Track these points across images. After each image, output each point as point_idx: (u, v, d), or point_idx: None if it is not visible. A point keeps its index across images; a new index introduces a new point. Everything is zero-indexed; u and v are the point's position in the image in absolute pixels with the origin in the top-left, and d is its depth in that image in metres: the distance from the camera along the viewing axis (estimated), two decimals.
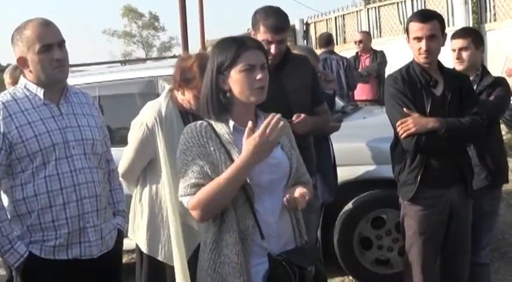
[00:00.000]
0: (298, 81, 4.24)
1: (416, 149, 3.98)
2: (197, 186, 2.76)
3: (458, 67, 4.49)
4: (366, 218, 5.52)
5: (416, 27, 3.98)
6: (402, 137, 3.97)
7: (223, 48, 2.87)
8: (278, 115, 2.73)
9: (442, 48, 4.06)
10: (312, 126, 4.13)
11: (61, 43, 3.17)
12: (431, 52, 3.98)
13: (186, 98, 3.93)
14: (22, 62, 3.16)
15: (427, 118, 3.94)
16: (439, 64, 4.11)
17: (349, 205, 5.50)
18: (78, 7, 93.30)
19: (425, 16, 4.03)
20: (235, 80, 2.82)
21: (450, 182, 4.04)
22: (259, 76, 2.81)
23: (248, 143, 2.70)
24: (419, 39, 3.97)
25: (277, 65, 4.17)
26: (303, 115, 4.02)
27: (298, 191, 2.81)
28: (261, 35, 4.12)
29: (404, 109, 3.98)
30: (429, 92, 4.01)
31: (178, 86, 3.94)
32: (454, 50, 4.54)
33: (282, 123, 2.73)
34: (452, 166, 4.03)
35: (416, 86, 4.02)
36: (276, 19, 4.14)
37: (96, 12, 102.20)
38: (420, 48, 3.98)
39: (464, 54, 4.51)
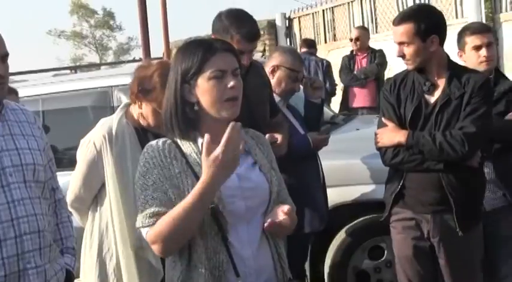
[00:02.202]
0: (260, 93, 4.33)
1: (384, 164, 4.24)
2: (157, 215, 2.76)
3: (486, 67, 4.57)
4: (361, 248, 5.56)
5: (392, 31, 4.22)
6: (376, 149, 4.23)
7: (187, 53, 2.87)
8: (238, 124, 2.70)
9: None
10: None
11: (4, 57, 3.15)
12: (408, 58, 4.15)
13: (143, 112, 3.96)
14: None
15: (398, 130, 4.13)
16: (450, 64, 4.20)
17: (342, 233, 5.54)
18: (14, 1, 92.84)
19: (398, 18, 4.20)
20: (204, 90, 2.82)
21: (431, 206, 4.15)
22: (231, 83, 2.81)
23: (209, 161, 2.66)
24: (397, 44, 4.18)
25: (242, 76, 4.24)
26: (279, 136, 4.14)
27: (281, 211, 2.80)
28: (234, 45, 4.17)
29: (383, 118, 4.20)
30: (417, 99, 4.14)
31: (136, 98, 3.97)
32: (477, 48, 4.62)
33: (241, 131, 2.73)
34: (434, 187, 4.11)
35: (406, 92, 4.18)
36: (250, 25, 4.21)
37: (38, 9, 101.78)
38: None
39: (491, 51, 4.61)
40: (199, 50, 2.85)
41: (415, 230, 4.21)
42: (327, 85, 10.42)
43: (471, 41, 4.60)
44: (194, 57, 2.83)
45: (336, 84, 11.04)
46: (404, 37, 4.09)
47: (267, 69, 5.10)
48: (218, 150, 2.66)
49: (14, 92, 5.73)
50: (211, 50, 2.84)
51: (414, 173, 4.14)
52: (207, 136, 2.68)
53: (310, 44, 11.18)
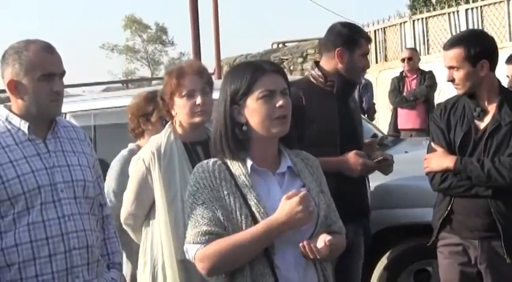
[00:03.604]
0: (356, 109, 4.51)
1: (433, 189, 4.24)
2: (209, 234, 2.80)
3: None
4: (407, 271, 5.52)
5: (443, 55, 4.22)
6: (425, 174, 4.23)
7: (236, 75, 2.92)
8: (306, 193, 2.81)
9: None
10: None
11: (62, 74, 3.25)
12: (458, 83, 4.14)
13: (178, 122, 4.07)
14: (13, 86, 3.19)
15: (447, 156, 4.13)
16: (501, 89, 4.20)
17: (387, 256, 5.51)
18: (70, 14, 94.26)
19: (449, 43, 4.20)
20: (253, 110, 2.86)
21: (479, 232, 4.12)
22: (280, 103, 2.84)
23: (290, 205, 2.75)
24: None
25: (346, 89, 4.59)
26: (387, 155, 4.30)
27: (322, 240, 2.81)
28: (363, 49, 4.56)
29: (432, 143, 4.21)
30: (467, 125, 4.13)
31: (167, 114, 4.13)
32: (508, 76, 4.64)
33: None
34: (482, 213, 4.09)
35: (456, 117, 4.17)
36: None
37: (92, 23, 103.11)
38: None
39: None
40: (248, 71, 2.89)
41: (462, 256, 4.19)
42: (364, 104, 10.53)
43: None
44: (243, 78, 2.87)
45: (374, 103, 11.11)
46: (454, 61, 4.08)
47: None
48: (299, 200, 2.75)
49: None
50: (260, 70, 2.88)
51: (462, 199, 4.13)
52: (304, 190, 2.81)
53: None
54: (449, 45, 4.15)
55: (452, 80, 4.13)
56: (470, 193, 4.08)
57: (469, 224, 4.13)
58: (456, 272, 4.21)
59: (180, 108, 4.01)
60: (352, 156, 4.48)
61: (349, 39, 4.57)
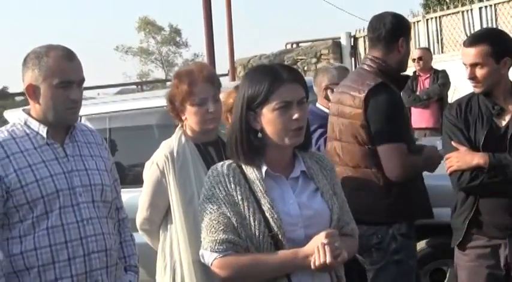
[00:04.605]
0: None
1: (459, 188, 4.08)
2: (226, 242, 2.82)
3: None
4: (423, 271, 5.49)
5: (462, 52, 4.13)
6: (448, 173, 4.09)
7: (254, 81, 2.90)
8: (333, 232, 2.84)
9: None
10: None
11: (81, 82, 3.28)
12: (479, 81, 4.07)
13: (188, 126, 4.08)
14: (31, 90, 3.22)
15: (475, 153, 4.01)
16: None
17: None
18: (83, 18, 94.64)
19: (472, 40, 4.13)
20: (268, 120, 2.86)
21: (508, 230, 4.05)
22: (296, 115, 2.84)
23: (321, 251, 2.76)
24: (465, 66, 4.10)
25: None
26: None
27: (329, 253, 2.77)
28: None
29: (452, 142, 4.07)
30: (487, 123, 4.06)
31: (176, 117, 4.09)
32: None
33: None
34: (510, 210, 4.03)
35: (473, 116, 4.10)
36: None
37: (106, 25, 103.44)
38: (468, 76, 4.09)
39: None
40: (266, 80, 2.87)
41: (490, 259, 4.10)
42: None
43: None
44: (261, 86, 2.86)
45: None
46: (478, 58, 4.02)
47: (322, 92, 5.21)
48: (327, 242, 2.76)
49: None
50: (278, 80, 2.86)
51: (487, 197, 4.04)
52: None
53: None
54: (472, 42, 4.09)
55: (473, 78, 4.07)
56: (502, 189, 4.00)
57: (498, 223, 4.05)
58: (483, 275, 4.11)
59: (192, 115, 4.01)
60: (432, 150, 4.49)
61: (408, 28, 4.63)
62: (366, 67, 4.52)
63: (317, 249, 2.75)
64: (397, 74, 4.53)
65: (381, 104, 4.28)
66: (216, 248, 2.84)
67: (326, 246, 2.73)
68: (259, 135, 2.90)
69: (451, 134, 4.12)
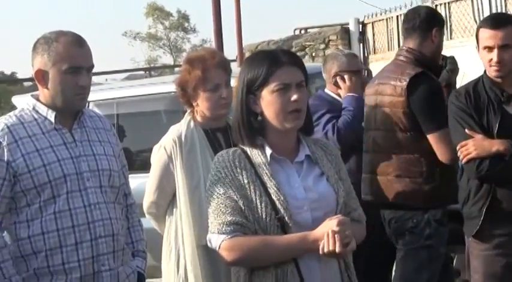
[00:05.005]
0: None
1: (478, 176, 4.00)
2: (234, 224, 2.84)
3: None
4: None
5: (486, 35, 4.03)
6: (463, 162, 4.02)
7: (254, 65, 2.95)
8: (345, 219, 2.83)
9: None
10: None
11: (90, 68, 3.29)
12: (505, 64, 4.00)
13: (199, 112, 4.07)
14: (40, 76, 3.23)
15: (492, 140, 3.96)
16: None
17: None
18: (92, 4, 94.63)
19: (498, 21, 4.07)
20: (268, 102, 2.90)
21: None
22: (294, 97, 2.87)
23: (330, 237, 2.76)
24: (490, 49, 4.01)
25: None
26: None
27: (339, 242, 2.77)
28: None
29: (466, 130, 4.01)
30: (499, 110, 4.02)
31: (187, 103, 4.09)
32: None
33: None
34: None
35: (483, 103, 4.04)
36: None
37: (115, 11, 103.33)
38: (491, 60, 4.01)
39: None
40: (265, 63, 2.91)
41: (507, 247, 4.04)
42: None
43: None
44: (260, 69, 2.90)
45: None
46: (509, 39, 3.98)
47: (331, 79, 5.20)
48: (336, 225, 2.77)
49: None
50: (277, 63, 2.90)
51: (504, 185, 3.99)
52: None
53: None
54: (499, 23, 4.03)
55: (499, 61, 3.98)
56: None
57: None
58: (500, 264, 4.06)
59: (205, 101, 4.01)
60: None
61: (442, 19, 4.78)
62: (402, 58, 4.64)
63: (327, 236, 2.76)
64: (432, 63, 4.63)
65: (424, 92, 4.42)
66: (223, 229, 2.85)
67: (336, 235, 2.74)
68: (259, 118, 2.94)
69: (462, 121, 4.06)
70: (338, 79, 5.21)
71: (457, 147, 4.04)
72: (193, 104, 4.08)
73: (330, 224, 2.78)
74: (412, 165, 4.42)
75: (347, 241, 2.77)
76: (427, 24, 4.59)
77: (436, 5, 15.71)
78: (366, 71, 5.47)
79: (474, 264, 4.15)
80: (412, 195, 4.44)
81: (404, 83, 4.42)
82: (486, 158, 3.93)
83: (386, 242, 4.78)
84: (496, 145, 3.93)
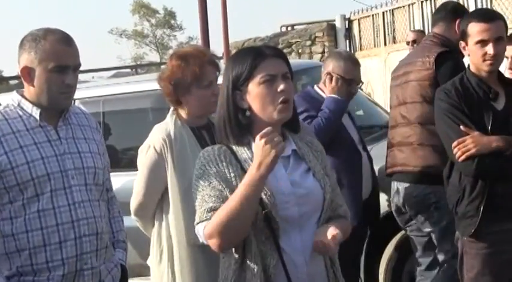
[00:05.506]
0: None
1: (478, 173, 3.95)
2: (215, 210, 2.81)
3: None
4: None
5: (480, 29, 4.01)
6: (461, 159, 3.93)
7: (238, 60, 2.94)
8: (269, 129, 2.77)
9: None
10: None
11: (77, 67, 3.28)
12: (499, 57, 4.04)
13: (185, 110, 4.05)
14: (26, 73, 3.22)
15: (490, 137, 3.92)
16: (499, 74, 4.13)
17: (397, 237, 5.52)
18: (77, 0, 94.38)
19: (490, 14, 4.15)
20: (255, 95, 2.88)
21: None
22: (281, 87, 2.86)
23: (257, 146, 2.74)
24: (484, 42, 3.99)
25: None
26: None
27: (331, 233, 2.82)
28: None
29: (461, 127, 3.95)
30: (489, 106, 4.00)
31: (174, 101, 4.07)
32: (507, 58, 4.59)
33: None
34: None
35: (473, 100, 4.01)
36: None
37: (100, 8, 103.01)
38: (485, 54, 3.98)
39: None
40: (248, 57, 2.91)
41: (505, 245, 4.00)
42: None
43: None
44: (244, 64, 2.90)
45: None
46: (502, 32, 4.04)
47: (324, 75, 5.17)
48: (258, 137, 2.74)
49: None
50: (260, 56, 2.90)
51: (500, 182, 3.95)
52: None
53: None
54: (492, 16, 4.10)
55: (494, 55, 3.97)
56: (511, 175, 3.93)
57: (510, 207, 3.96)
58: (499, 261, 4.02)
59: (197, 98, 3.98)
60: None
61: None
62: (428, 42, 5.09)
63: (257, 147, 2.73)
64: (456, 48, 4.60)
65: (451, 67, 4.70)
66: (204, 216, 2.83)
67: (265, 140, 2.71)
68: (247, 113, 2.91)
69: (455, 118, 3.99)
70: (327, 78, 5.19)
71: (453, 145, 3.95)
72: (182, 102, 4.05)
73: (257, 144, 2.75)
74: (435, 136, 4.42)
75: (277, 140, 2.73)
76: (452, 14, 5.00)
77: (422, 1, 15.69)
78: (361, 84, 5.40)
79: (470, 263, 4.08)
80: (433, 162, 4.65)
81: (432, 58, 4.76)
82: (486, 154, 3.89)
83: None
84: (495, 141, 3.90)
